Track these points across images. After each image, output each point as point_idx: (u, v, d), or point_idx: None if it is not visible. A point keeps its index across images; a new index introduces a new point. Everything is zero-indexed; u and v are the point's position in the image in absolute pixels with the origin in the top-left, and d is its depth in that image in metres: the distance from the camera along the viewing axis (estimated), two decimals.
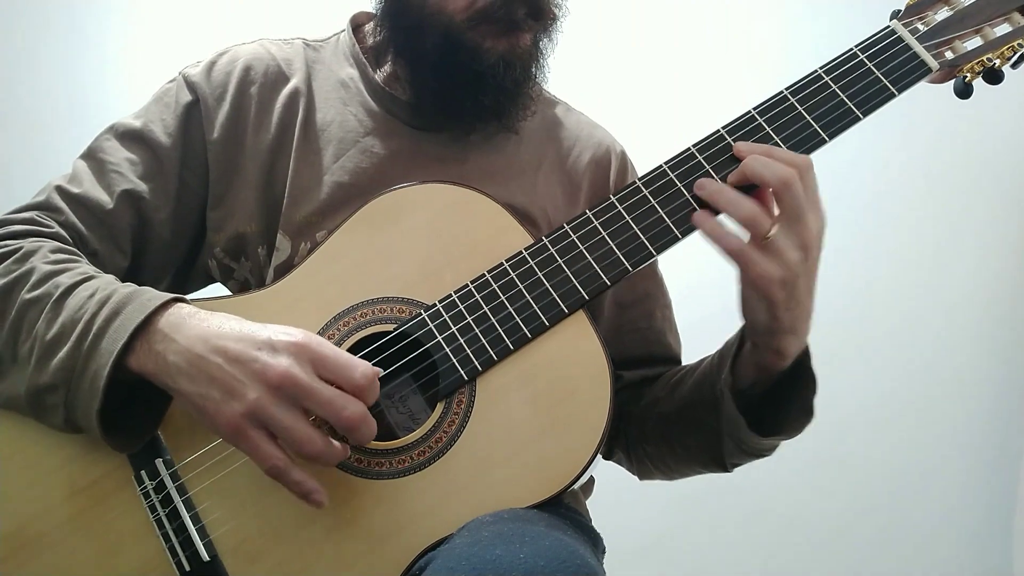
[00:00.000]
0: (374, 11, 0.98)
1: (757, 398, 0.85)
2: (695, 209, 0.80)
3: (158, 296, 0.75)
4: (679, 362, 1.05)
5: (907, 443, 1.90)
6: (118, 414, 0.73)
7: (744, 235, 0.76)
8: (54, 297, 0.76)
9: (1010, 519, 1.91)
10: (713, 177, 0.80)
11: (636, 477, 1.06)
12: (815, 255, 0.76)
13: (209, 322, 0.73)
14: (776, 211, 0.76)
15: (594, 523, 0.97)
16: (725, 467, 0.90)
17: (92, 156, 0.93)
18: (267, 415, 0.67)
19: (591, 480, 1.02)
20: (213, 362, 0.69)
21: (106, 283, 0.77)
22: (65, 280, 0.77)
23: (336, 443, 0.70)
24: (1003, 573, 1.91)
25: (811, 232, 0.75)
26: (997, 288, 1.92)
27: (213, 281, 1.01)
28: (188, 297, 0.99)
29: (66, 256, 0.82)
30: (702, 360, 0.93)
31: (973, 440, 1.92)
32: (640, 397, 0.99)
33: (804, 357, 0.83)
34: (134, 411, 0.75)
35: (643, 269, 1.02)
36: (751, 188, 0.78)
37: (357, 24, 1.04)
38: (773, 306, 0.76)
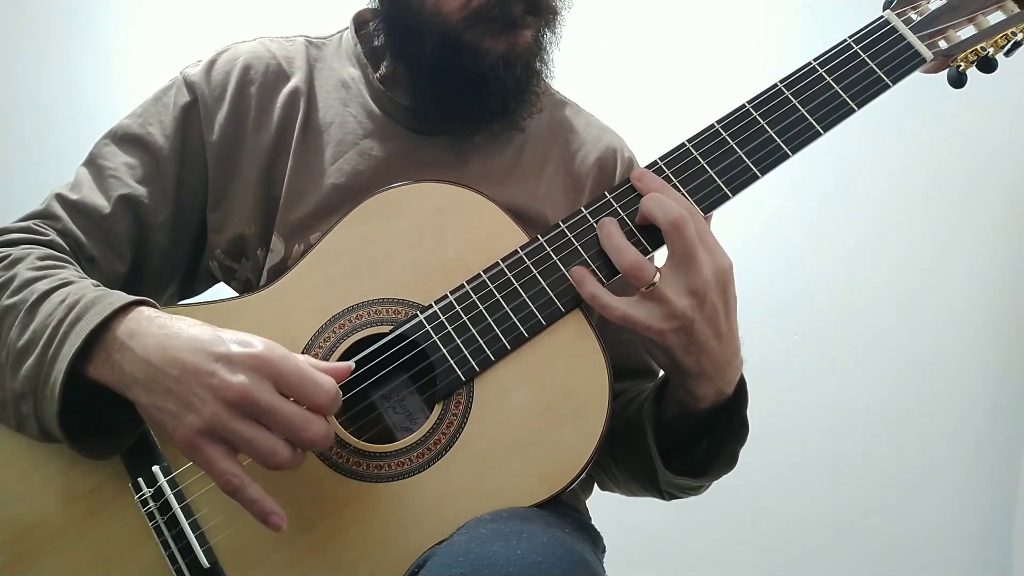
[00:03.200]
0: (375, 10, 0.97)
1: (685, 434, 0.85)
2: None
3: (120, 299, 0.73)
4: (657, 376, 1.03)
5: (907, 443, 1.89)
6: (96, 420, 0.73)
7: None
8: (28, 303, 0.75)
9: (1010, 519, 1.90)
10: (709, 171, 0.80)
11: (598, 487, 1.05)
12: (713, 300, 0.75)
13: (168, 329, 0.70)
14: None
15: (594, 522, 0.97)
16: (662, 494, 0.90)
17: (92, 162, 0.93)
18: (225, 430, 0.65)
19: (591, 480, 1.02)
20: (169, 374, 0.67)
21: (78, 288, 0.76)
22: (41, 286, 0.76)
23: (300, 451, 0.68)
24: (1003, 573, 1.90)
25: (702, 277, 0.74)
26: (997, 288, 1.91)
27: (218, 282, 1.01)
28: (194, 299, 1.00)
29: (52, 263, 0.81)
30: (652, 385, 0.92)
31: (973, 440, 1.91)
32: None
33: (741, 404, 0.82)
34: (112, 417, 0.74)
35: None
36: None
37: (361, 21, 1.02)
38: (669, 351, 0.76)
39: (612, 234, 0.78)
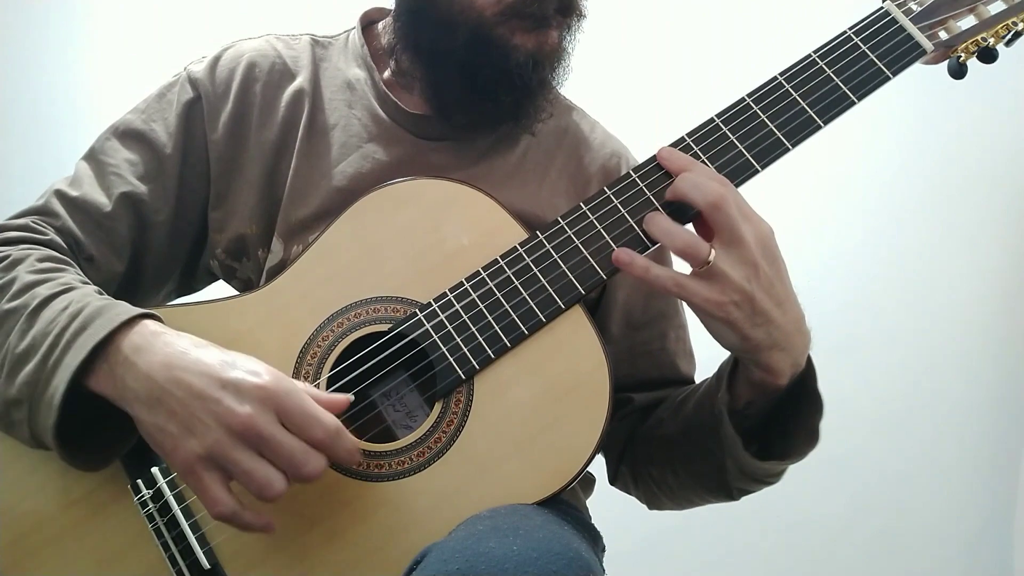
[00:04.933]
0: (390, 8, 0.95)
1: (759, 419, 0.83)
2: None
3: (126, 312, 0.72)
4: (692, 383, 1.01)
5: (907, 443, 1.89)
6: (87, 432, 0.72)
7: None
8: (29, 308, 0.74)
9: (1010, 519, 1.90)
10: (707, 165, 0.79)
11: (645, 506, 1.02)
12: (766, 268, 0.74)
13: (173, 347, 0.69)
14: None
15: (594, 522, 0.96)
16: (731, 494, 0.87)
17: (93, 157, 0.92)
18: (225, 458, 0.65)
19: (592, 479, 1.01)
20: (174, 395, 0.66)
21: (82, 295, 0.75)
22: (43, 291, 0.75)
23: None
24: (1003, 573, 1.89)
25: (751, 248, 0.73)
26: (997, 287, 1.91)
27: (218, 279, 1.01)
28: (192, 298, 1.00)
29: (52, 265, 0.80)
30: (704, 380, 0.90)
31: (973, 440, 1.90)
32: (647, 419, 0.96)
33: (809, 379, 0.80)
34: (103, 429, 0.73)
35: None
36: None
37: (369, 22, 1.01)
38: (735, 327, 0.74)
39: (656, 218, 0.76)
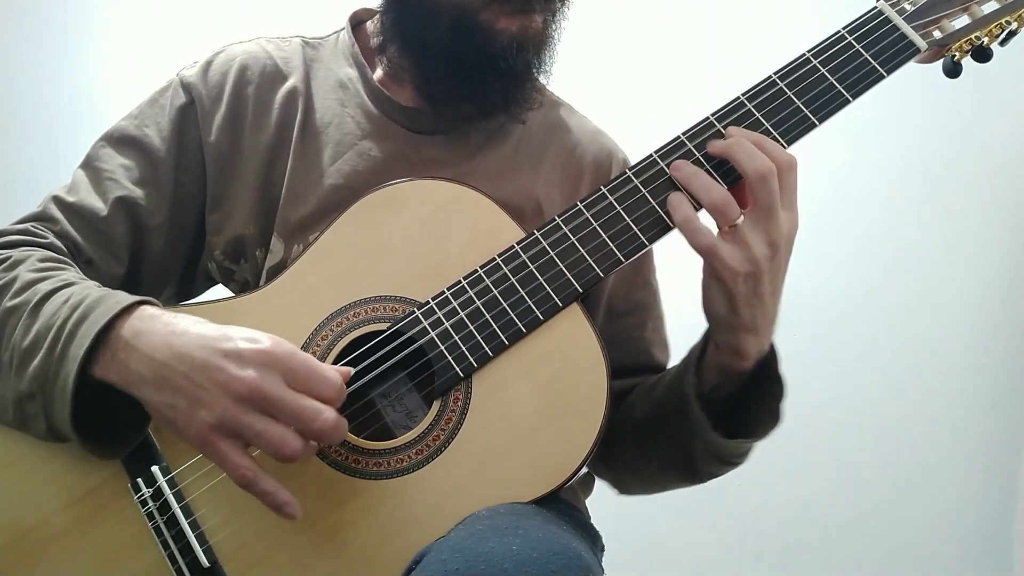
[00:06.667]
0: (378, 8, 0.97)
1: (723, 402, 0.85)
2: None
3: (124, 299, 0.73)
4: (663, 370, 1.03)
5: (907, 443, 1.89)
6: (103, 420, 0.73)
7: (712, 224, 0.76)
8: (31, 304, 0.75)
9: (1010, 519, 1.90)
10: (703, 165, 0.80)
11: (616, 491, 1.04)
12: (782, 255, 0.76)
13: (173, 326, 0.71)
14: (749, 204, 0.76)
15: (594, 522, 0.96)
16: (698, 475, 0.89)
17: (88, 165, 0.93)
18: (237, 424, 0.66)
19: (591, 478, 1.02)
20: (178, 370, 0.68)
21: (82, 288, 0.76)
22: (44, 287, 0.76)
23: (312, 442, 0.69)
24: (1003, 573, 1.89)
25: (780, 231, 0.75)
26: (997, 287, 1.91)
27: (216, 283, 1.01)
28: (193, 301, 1.00)
29: (52, 264, 0.81)
30: (673, 367, 0.93)
31: (973, 440, 1.90)
32: (619, 406, 0.97)
33: (772, 362, 0.83)
34: (118, 417, 0.74)
35: (638, 277, 1.03)
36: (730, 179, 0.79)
37: (357, 22, 1.03)
38: (734, 300, 0.76)
39: (697, 172, 0.78)
